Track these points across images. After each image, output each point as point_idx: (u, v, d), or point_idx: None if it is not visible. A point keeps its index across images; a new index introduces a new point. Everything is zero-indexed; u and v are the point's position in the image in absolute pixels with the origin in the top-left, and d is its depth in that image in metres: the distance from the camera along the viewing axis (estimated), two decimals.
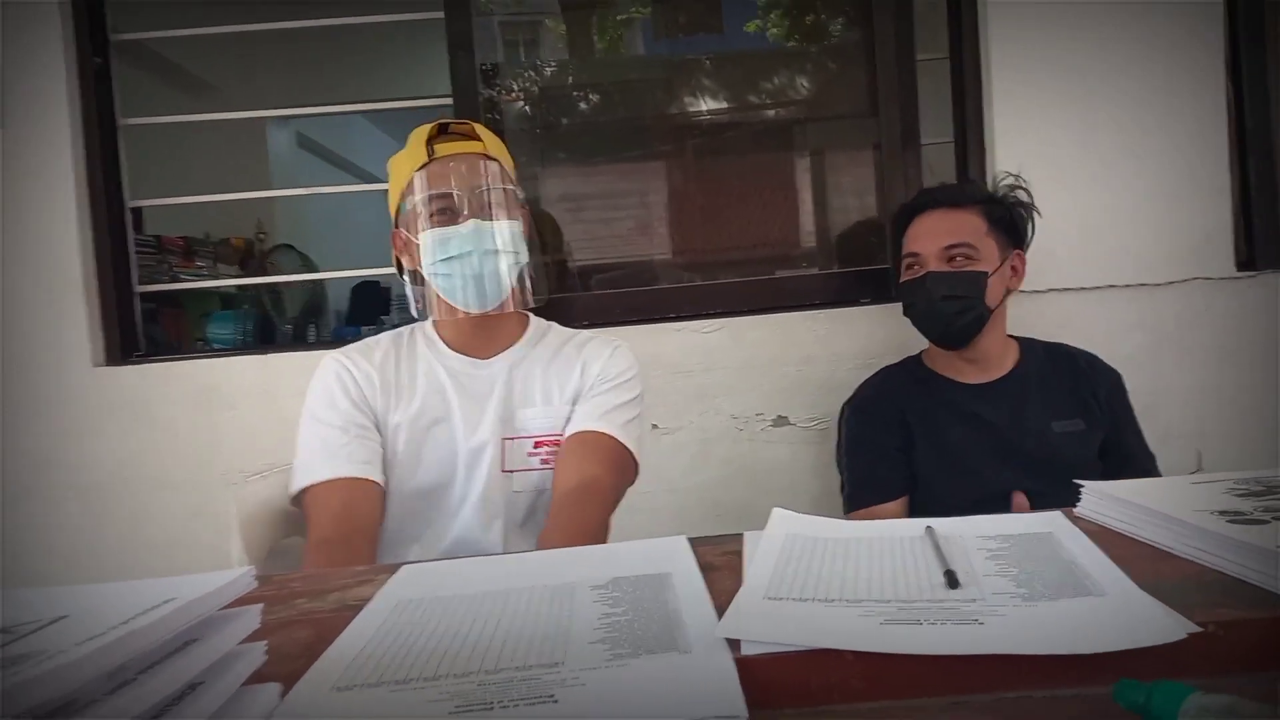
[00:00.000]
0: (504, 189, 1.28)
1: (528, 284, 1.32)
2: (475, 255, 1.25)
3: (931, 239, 1.60)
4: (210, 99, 3.94)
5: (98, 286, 1.99)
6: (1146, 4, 1.95)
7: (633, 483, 1.35)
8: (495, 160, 1.30)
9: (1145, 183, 1.97)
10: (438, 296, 1.30)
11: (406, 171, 1.29)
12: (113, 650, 0.41)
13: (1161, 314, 1.98)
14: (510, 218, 1.28)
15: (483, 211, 1.25)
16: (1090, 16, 1.95)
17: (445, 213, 1.26)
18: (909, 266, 1.65)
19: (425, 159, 1.27)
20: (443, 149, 1.28)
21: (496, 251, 1.26)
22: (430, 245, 1.26)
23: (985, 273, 1.58)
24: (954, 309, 1.57)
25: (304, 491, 1.23)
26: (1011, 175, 1.68)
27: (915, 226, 1.64)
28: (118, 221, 2.03)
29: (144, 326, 2.10)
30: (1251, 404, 2.00)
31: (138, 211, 2.19)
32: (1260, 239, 2.03)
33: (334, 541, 1.15)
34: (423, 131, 1.31)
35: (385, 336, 1.40)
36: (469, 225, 1.24)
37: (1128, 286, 1.97)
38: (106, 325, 2.00)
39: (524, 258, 1.31)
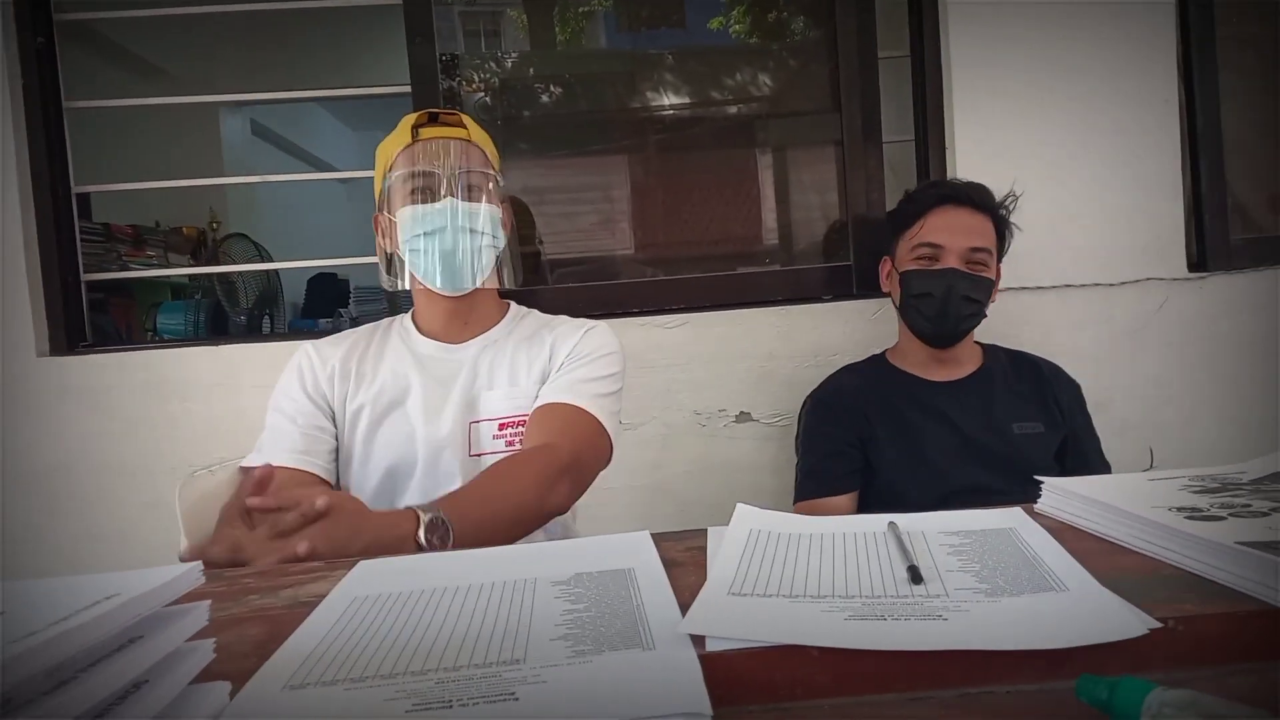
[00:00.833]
0: (484, 173, 1.31)
1: (503, 269, 1.34)
2: (449, 233, 1.27)
3: (959, 235, 1.59)
4: (161, 83, 3.84)
5: (41, 275, 1.92)
6: (1103, 6, 1.98)
7: (607, 459, 1.31)
8: (478, 147, 1.33)
9: (1102, 183, 2.00)
10: (411, 276, 1.32)
11: (390, 153, 1.32)
12: (51, 647, 0.39)
13: (1116, 313, 2.02)
14: (489, 202, 1.31)
15: (460, 193, 1.28)
16: (1049, 18, 1.98)
17: (423, 191, 1.28)
18: (921, 256, 1.61)
19: (409, 141, 1.30)
20: (427, 133, 1.31)
21: (471, 231, 1.28)
22: (406, 221, 1.28)
23: (994, 281, 1.62)
24: (968, 310, 1.59)
25: None
26: (1015, 195, 1.67)
27: (940, 217, 1.61)
28: (63, 207, 1.97)
29: (91, 317, 2.04)
30: (1201, 401, 2.05)
31: (85, 198, 2.13)
32: (1210, 242, 2.08)
33: None
34: (410, 118, 1.34)
35: (364, 327, 1.43)
36: (445, 203, 1.27)
37: (1084, 286, 2.01)
38: (51, 315, 1.94)
39: (500, 243, 1.33)
